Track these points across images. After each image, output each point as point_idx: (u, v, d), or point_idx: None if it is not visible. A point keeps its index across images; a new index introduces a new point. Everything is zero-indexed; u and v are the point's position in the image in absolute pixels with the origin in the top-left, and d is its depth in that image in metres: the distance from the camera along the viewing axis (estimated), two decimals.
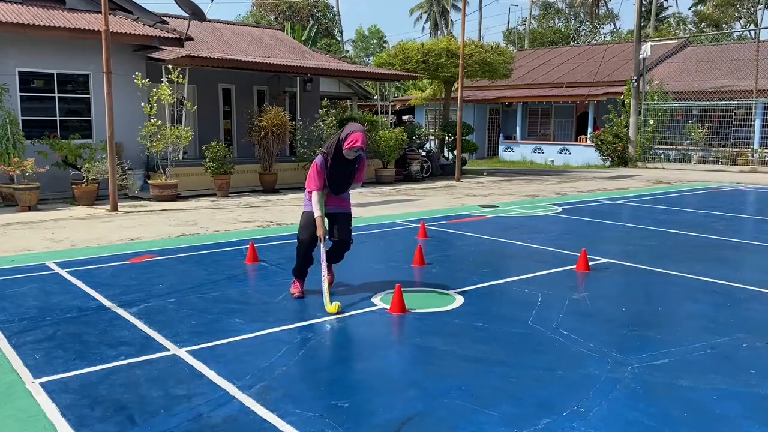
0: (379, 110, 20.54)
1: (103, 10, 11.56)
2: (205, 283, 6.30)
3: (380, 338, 4.79)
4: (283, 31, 28.25)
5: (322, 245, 5.57)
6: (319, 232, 5.47)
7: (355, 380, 3.92)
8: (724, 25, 44.50)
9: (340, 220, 5.70)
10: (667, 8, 49.95)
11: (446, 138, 21.57)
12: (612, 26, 52.60)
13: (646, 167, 22.92)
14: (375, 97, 24.02)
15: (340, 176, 5.56)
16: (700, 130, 23.10)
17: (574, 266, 6.87)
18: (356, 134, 5.36)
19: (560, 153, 26.89)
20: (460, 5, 22.96)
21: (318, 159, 5.49)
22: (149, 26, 14.29)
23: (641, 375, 3.94)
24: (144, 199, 13.24)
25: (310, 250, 5.66)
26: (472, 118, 28.35)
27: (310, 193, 5.53)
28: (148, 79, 13.70)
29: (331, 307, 5.21)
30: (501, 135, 29.96)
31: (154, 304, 5.53)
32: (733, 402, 3.58)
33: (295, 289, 5.78)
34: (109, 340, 4.61)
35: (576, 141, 27.52)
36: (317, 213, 5.44)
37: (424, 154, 19.61)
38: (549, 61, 31.42)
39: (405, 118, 25.69)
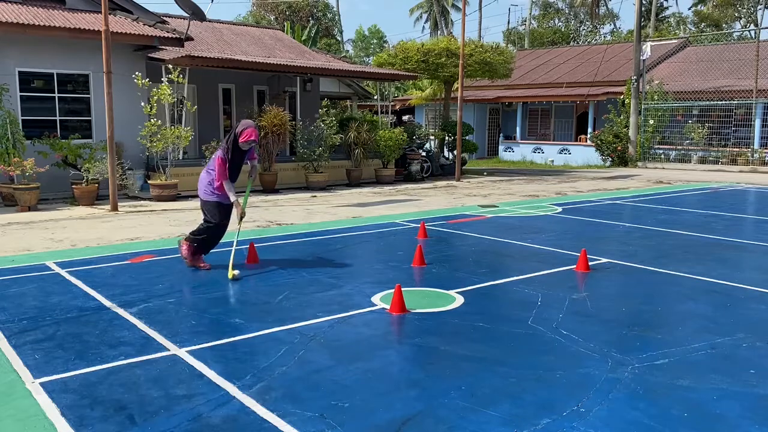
0: (379, 110, 20.53)
1: (103, 10, 11.56)
2: (205, 283, 6.30)
3: (380, 338, 4.79)
4: (283, 31, 28.24)
5: (238, 224, 6.74)
6: (239, 211, 6.59)
7: (355, 380, 3.92)
8: (724, 25, 44.51)
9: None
10: (667, 8, 50.00)
11: (446, 138, 21.55)
12: (612, 26, 52.63)
13: (646, 167, 22.92)
14: (375, 97, 24.02)
15: (236, 167, 6.72)
16: (700, 130, 23.10)
17: (574, 266, 6.87)
18: (249, 130, 6.56)
19: (560, 153, 26.88)
20: (460, 5, 22.98)
21: (220, 154, 6.53)
22: (149, 26, 14.28)
23: (641, 375, 3.95)
24: (144, 199, 13.23)
25: (223, 231, 6.88)
26: (472, 118, 28.34)
27: (218, 185, 6.57)
28: (148, 79, 13.69)
29: (233, 273, 6.31)
30: (501, 135, 29.95)
31: (154, 304, 5.53)
32: (733, 402, 3.58)
33: (203, 264, 6.83)
34: (109, 340, 4.61)
35: (576, 141, 27.53)
36: (233, 198, 6.55)
37: (424, 154, 19.58)
38: (549, 61, 31.42)
39: (405, 118, 25.72)
